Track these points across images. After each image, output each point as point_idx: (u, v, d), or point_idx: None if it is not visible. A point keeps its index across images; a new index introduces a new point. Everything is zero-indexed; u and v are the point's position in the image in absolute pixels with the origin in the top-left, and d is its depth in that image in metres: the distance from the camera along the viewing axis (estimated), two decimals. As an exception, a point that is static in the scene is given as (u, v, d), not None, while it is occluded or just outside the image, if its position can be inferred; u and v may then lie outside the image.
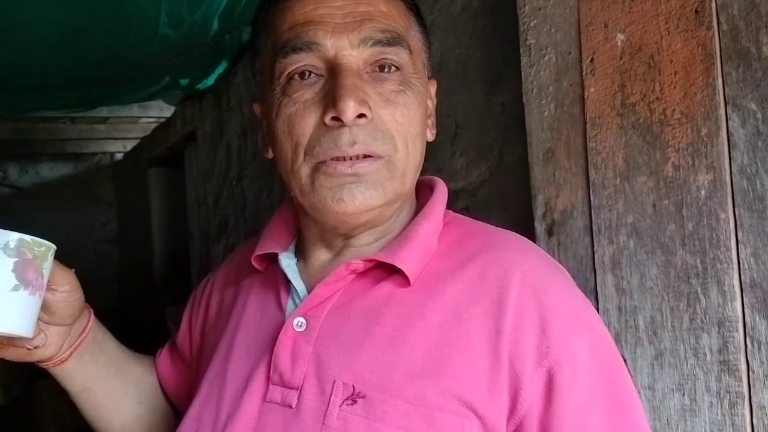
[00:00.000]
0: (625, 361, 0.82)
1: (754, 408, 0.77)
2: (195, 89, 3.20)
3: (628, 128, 0.89)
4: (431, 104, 0.86)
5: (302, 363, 0.74)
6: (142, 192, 5.23)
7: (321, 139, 0.74)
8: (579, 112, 0.96)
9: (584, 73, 0.95)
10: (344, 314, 0.76)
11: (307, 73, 0.76)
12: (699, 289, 0.81)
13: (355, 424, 0.69)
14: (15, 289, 0.73)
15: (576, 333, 0.70)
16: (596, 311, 0.80)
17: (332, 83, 0.74)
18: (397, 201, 0.79)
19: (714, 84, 0.80)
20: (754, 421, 0.77)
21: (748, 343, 0.77)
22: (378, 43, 0.75)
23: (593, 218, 0.94)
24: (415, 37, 0.82)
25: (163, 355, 1.05)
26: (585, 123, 0.95)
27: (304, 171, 0.76)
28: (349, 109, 0.71)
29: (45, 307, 0.80)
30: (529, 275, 0.73)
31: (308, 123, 0.75)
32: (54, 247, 0.78)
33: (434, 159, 1.38)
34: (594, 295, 0.93)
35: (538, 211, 1.03)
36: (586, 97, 0.95)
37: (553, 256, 0.93)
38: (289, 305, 0.82)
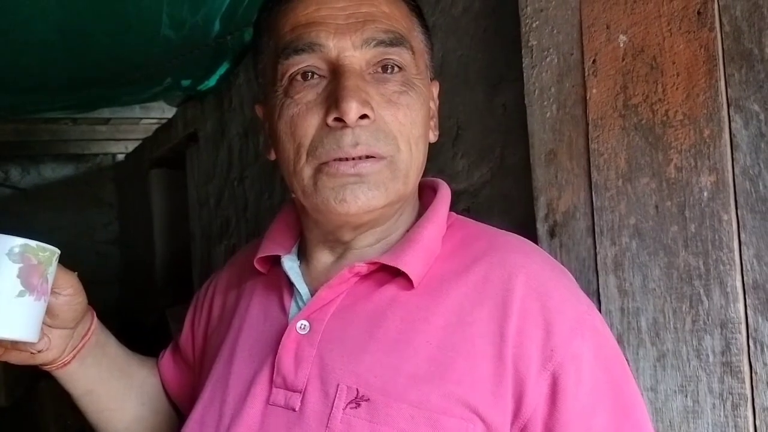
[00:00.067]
0: (627, 362, 0.82)
1: (756, 410, 0.77)
2: (196, 90, 3.21)
3: (630, 129, 0.89)
4: (434, 105, 0.86)
5: (306, 366, 0.74)
6: (144, 193, 5.23)
7: (323, 140, 0.74)
8: (581, 114, 0.96)
9: (586, 74, 0.95)
10: (348, 317, 0.76)
11: (309, 74, 0.76)
12: (702, 291, 0.81)
13: (359, 427, 0.69)
14: (20, 294, 0.73)
15: (580, 335, 0.70)
16: (599, 313, 0.80)
17: (335, 84, 0.74)
18: (400, 202, 0.79)
19: (716, 85, 0.80)
20: (757, 422, 0.77)
21: (751, 344, 0.77)
22: (381, 43, 0.75)
23: (595, 220, 0.93)
24: (417, 38, 0.82)
25: (166, 357, 1.05)
26: (587, 124, 0.95)
27: (307, 172, 0.76)
28: (352, 110, 0.71)
29: (48, 311, 0.80)
30: (532, 278, 0.73)
31: (311, 124, 0.75)
32: (58, 251, 0.78)
33: (436, 160, 1.38)
34: (596, 297, 0.93)
35: (540, 213, 1.03)
36: (588, 98, 0.95)
37: (555, 258, 0.93)
38: (292, 308, 0.82)
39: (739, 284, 0.78)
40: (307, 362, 0.74)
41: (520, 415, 0.68)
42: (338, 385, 0.71)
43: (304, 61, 0.76)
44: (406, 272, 0.75)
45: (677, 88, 0.84)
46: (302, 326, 0.77)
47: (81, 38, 2.15)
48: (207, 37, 2.34)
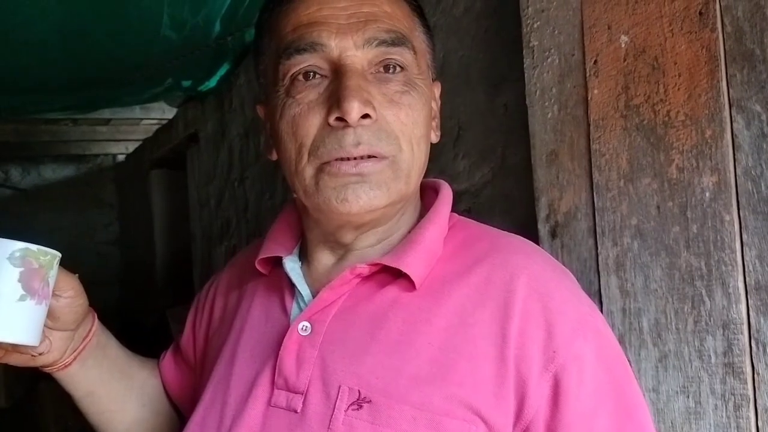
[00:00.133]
0: (629, 363, 0.82)
1: (759, 410, 0.77)
2: (197, 91, 3.21)
3: (631, 130, 0.89)
4: (435, 106, 0.86)
5: (307, 367, 0.74)
6: (144, 193, 5.23)
7: (325, 139, 0.74)
8: (582, 114, 0.96)
9: (588, 74, 0.95)
10: (349, 318, 0.76)
11: (311, 74, 0.76)
12: (703, 292, 0.81)
13: (361, 429, 0.69)
14: (21, 299, 0.73)
15: (582, 337, 0.70)
16: (601, 314, 0.80)
17: (336, 84, 0.74)
18: (401, 202, 0.79)
19: (718, 86, 0.80)
20: (759, 423, 0.77)
21: (753, 345, 0.77)
22: (382, 43, 0.75)
23: (597, 220, 0.93)
24: (419, 38, 0.82)
25: (167, 358, 1.05)
26: (588, 125, 0.95)
27: (309, 172, 0.75)
28: (354, 109, 0.71)
29: (49, 313, 0.79)
30: (534, 279, 0.73)
31: (312, 124, 0.75)
32: (59, 255, 0.78)
33: (437, 161, 1.38)
34: (598, 298, 0.93)
35: (542, 213, 1.03)
36: (589, 98, 0.94)
37: (557, 259, 0.93)
38: (293, 309, 0.82)
39: (741, 285, 0.78)
40: (308, 364, 0.74)
41: (522, 417, 0.68)
42: (340, 387, 0.71)
43: (305, 61, 0.75)
44: (407, 273, 0.75)
45: (679, 89, 0.84)
46: (304, 327, 0.77)
47: (81, 39, 2.15)
48: (208, 37, 2.34)
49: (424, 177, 0.83)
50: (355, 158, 0.73)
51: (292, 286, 0.83)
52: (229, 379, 0.81)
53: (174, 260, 4.82)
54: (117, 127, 5.35)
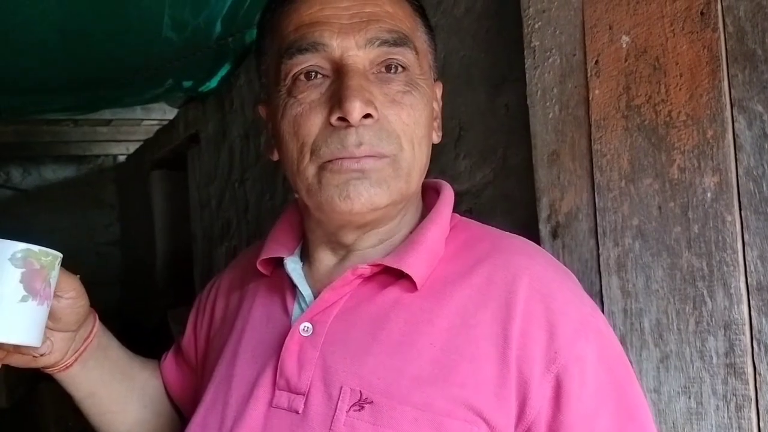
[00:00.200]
0: (631, 364, 0.82)
1: (761, 411, 0.77)
2: (198, 92, 3.21)
3: (633, 130, 0.89)
4: (437, 106, 0.86)
5: (309, 368, 0.74)
6: (145, 194, 5.24)
7: (327, 139, 0.74)
8: (584, 114, 0.96)
9: (589, 75, 0.95)
10: (351, 319, 0.76)
11: (312, 73, 0.76)
12: (705, 292, 0.81)
13: (362, 430, 0.69)
14: (23, 300, 0.73)
15: (584, 337, 0.70)
16: (603, 315, 0.80)
17: (338, 84, 0.74)
18: (402, 201, 0.79)
19: (720, 86, 0.79)
20: (761, 424, 0.77)
21: (755, 346, 0.77)
22: (384, 43, 0.75)
23: (598, 220, 0.93)
24: (421, 38, 0.82)
25: (168, 359, 1.05)
26: (590, 125, 0.95)
27: (311, 170, 0.75)
28: (356, 109, 0.71)
29: (50, 314, 0.79)
30: (536, 280, 0.73)
31: (314, 123, 0.74)
32: (60, 255, 0.78)
33: (438, 161, 1.38)
34: (599, 298, 0.92)
35: (543, 214, 1.03)
36: (590, 99, 0.94)
37: (558, 259, 0.93)
38: (295, 310, 0.82)
39: (742, 285, 0.78)
40: (310, 364, 0.74)
41: (523, 418, 0.68)
42: (341, 388, 0.71)
43: (307, 61, 0.75)
44: (409, 274, 0.75)
45: (680, 89, 0.84)
46: (305, 328, 0.77)
47: (82, 39, 2.15)
48: (208, 38, 2.34)
49: (426, 177, 0.83)
50: (357, 157, 0.73)
51: (294, 287, 0.83)
52: (230, 380, 0.81)
53: (175, 261, 4.82)
54: (118, 127, 5.35)
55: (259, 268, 0.87)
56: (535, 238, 1.01)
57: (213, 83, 3.06)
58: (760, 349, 0.76)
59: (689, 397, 0.83)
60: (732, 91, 0.79)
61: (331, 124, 0.73)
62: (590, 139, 0.95)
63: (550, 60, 1.01)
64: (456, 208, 0.86)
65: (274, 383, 0.76)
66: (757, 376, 0.77)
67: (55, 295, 0.79)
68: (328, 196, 0.74)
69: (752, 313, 0.77)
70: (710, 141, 0.80)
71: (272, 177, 2.61)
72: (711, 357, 0.80)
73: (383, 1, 0.77)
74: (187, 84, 3.08)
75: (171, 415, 1.03)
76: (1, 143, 5.15)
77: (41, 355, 0.84)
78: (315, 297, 0.80)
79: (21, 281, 0.73)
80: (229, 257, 3.09)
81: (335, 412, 0.70)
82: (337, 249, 0.83)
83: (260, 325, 0.84)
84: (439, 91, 0.87)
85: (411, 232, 0.81)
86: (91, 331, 0.91)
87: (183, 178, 4.03)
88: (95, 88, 2.92)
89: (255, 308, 0.87)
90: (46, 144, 5.53)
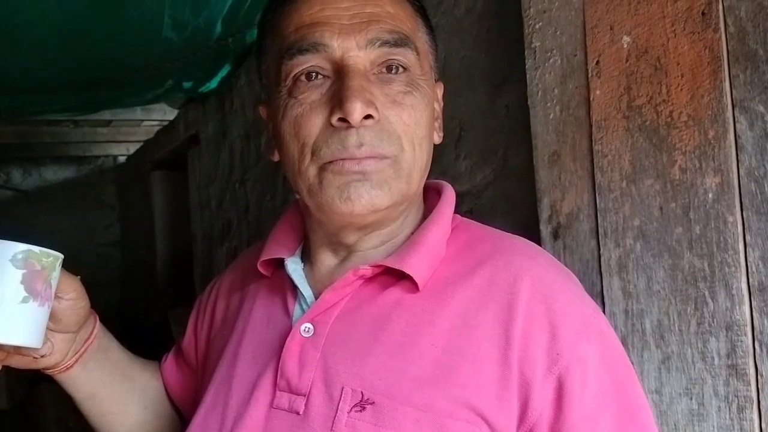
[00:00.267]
0: (632, 365, 0.82)
1: (762, 412, 0.76)
2: (198, 92, 3.21)
3: (634, 131, 0.89)
4: (438, 107, 0.86)
5: (310, 369, 0.74)
6: (145, 195, 5.23)
7: (328, 140, 0.73)
8: (584, 115, 0.96)
9: (590, 75, 0.95)
10: (352, 320, 0.76)
11: (313, 74, 0.76)
12: (706, 293, 0.81)
13: (364, 430, 0.68)
14: (24, 301, 0.73)
15: (585, 339, 0.70)
16: (604, 316, 0.80)
17: (339, 84, 0.73)
18: (404, 203, 0.79)
19: (721, 86, 0.79)
20: (763, 425, 0.76)
21: (757, 347, 0.77)
22: (385, 44, 0.75)
23: (599, 221, 0.93)
24: (422, 38, 0.81)
25: (169, 360, 1.05)
26: (591, 126, 0.95)
27: (312, 171, 0.75)
28: (356, 110, 0.71)
29: (51, 315, 0.79)
30: (538, 281, 0.73)
31: (315, 124, 0.74)
32: (61, 256, 0.78)
33: (438, 161, 1.38)
34: (600, 299, 0.92)
35: (544, 214, 1.02)
36: (591, 99, 0.94)
37: (559, 260, 0.92)
38: (296, 311, 0.82)
39: (744, 286, 0.78)
40: (311, 365, 0.74)
41: (525, 419, 0.68)
42: (343, 389, 0.71)
43: (308, 61, 0.75)
44: (410, 275, 0.75)
45: (681, 89, 0.84)
46: (306, 329, 0.76)
47: (82, 39, 2.15)
48: (209, 39, 2.34)
49: (427, 178, 0.83)
50: (358, 158, 0.73)
51: (295, 288, 0.82)
52: (230, 381, 0.81)
53: (175, 261, 4.82)
54: (118, 128, 5.35)
55: (260, 269, 0.87)
56: (536, 238, 1.01)
57: (213, 84, 3.06)
58: (761, 350, 0.76)
59: (691, 399, 0.83)
60: (733, 91, 0.79)
61: (331, 125, 0.73)
62: (591, 140, 0.94)
63: (551, 60, 1.01)
64: (457, 209, 0.86)
65: (275, 384, 0.76)
66: (759, 377, 0.77)
67: (56, 296, 0.79)
68: (329, 197, 0.74)
69: (754, 314, 0.77)
70: (711, 141, 0.80)
71: (273, 177, 2.60)
72: (712, 358, 0.80)
73: (384, 1, 0.77)
74: (187, 84, 3.08)
75: (171, 416, 1.03)
76: (2, 144, 5.16)
77: (42, 357, 0.84)
78: (316, 298, 0.80)
79: (22, 282, 0.73)
80: (230, 258, 3.09)
81: (336, 413, 0.70)
82: (339, 250, 0.83)
83: (261, 326, 0.84)
84: (440, 91, 0.87)
85: (412, 233, 0.81)
86: (91, 332, 0.91)
87: (183, 178, 4.02)
88: (95, 88, 2.92)
89: (256, 309, 0.87)
90: (47, 145, 5.53)
